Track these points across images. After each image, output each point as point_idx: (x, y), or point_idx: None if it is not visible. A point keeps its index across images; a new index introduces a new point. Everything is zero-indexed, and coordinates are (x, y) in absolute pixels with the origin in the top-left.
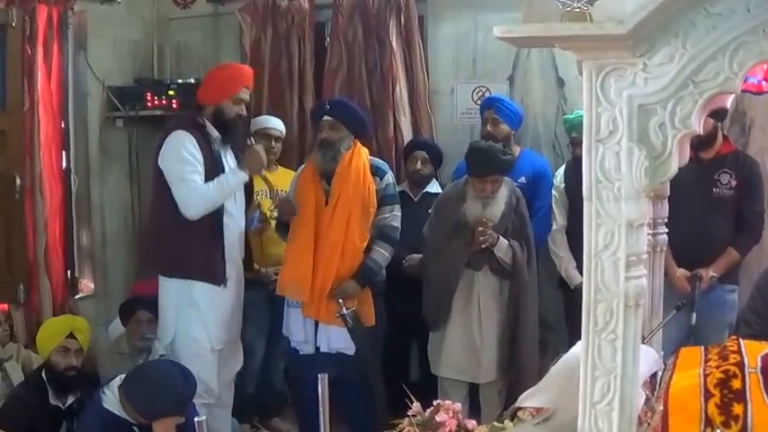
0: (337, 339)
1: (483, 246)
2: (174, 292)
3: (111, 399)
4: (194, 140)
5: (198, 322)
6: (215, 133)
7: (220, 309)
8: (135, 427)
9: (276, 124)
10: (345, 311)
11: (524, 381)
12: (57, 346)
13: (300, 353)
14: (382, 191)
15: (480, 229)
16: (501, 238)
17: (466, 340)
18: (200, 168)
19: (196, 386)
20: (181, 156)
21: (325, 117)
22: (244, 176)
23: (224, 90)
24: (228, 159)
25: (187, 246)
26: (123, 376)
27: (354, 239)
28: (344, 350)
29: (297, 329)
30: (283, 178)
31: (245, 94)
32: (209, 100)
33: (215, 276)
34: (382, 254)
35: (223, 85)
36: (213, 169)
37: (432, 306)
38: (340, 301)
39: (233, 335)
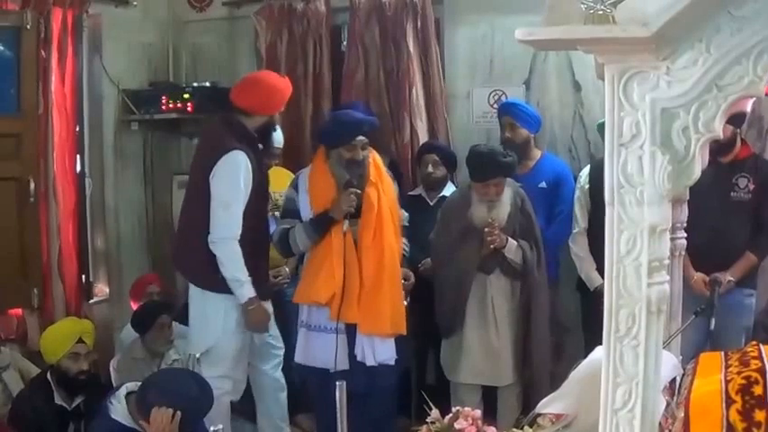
0: (383, 351)
1: (492, 246)
2: (222, 304)
3: (119, 408)
4: (249, 161)
5: (240, 327)
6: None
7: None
8: None
9: (278, 141)
10: None
11: (538, 380)
12: (67, 352)
13: (332, 371)
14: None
15: (487, 230)
16: (510, 239)
17: (484, 344)
18: (248, 190)
19: (213, 399)
20: (234, 180)
21: (360, 137)
22: (247, 296)
23: (282, 102)
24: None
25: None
26: (129, 385)
27: (401, 244)
28: (387, 361)
29: (328, 351)
30: (276, 177)
31: None
32: (266, 109)
33: (259, 293)
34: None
35: (283, 96)
36: (261, 180)
37: (445, 312)
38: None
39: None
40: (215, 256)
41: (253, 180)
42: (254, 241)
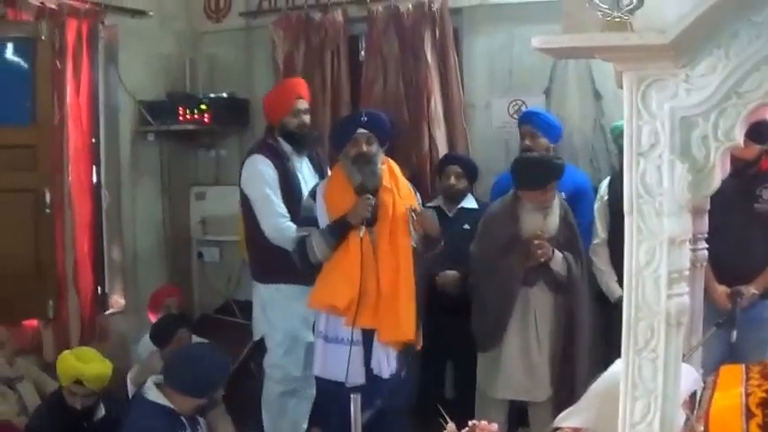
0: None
1: (541, 260)
2: (269, 295)
3: (154, 393)
4: (267, 160)
5: (284, 320)
6: (287, 148)
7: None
8: (182, 418)
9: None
10: None
11: (578, 396)
12: (65, 386)
13: (348, 385)
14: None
15: (537, 242)
16: (556, 251)
17: (524, 359)
18: (275, 184)
19: (227, 368)
20: (257, 176)
21: (361, 130)
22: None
23: (280, 107)
24: (304, 168)
25: (277, 254)
26: (152, 378)
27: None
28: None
29: (343, 363)
30: None
31: (302, 104)
32: (273, 120)
33: (304, 279)
34: None
35: (278, 102)
36: (287, 182)
37: (486, 326)
38: None
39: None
40: (258, 248)
41: (278, 177)
42: None
